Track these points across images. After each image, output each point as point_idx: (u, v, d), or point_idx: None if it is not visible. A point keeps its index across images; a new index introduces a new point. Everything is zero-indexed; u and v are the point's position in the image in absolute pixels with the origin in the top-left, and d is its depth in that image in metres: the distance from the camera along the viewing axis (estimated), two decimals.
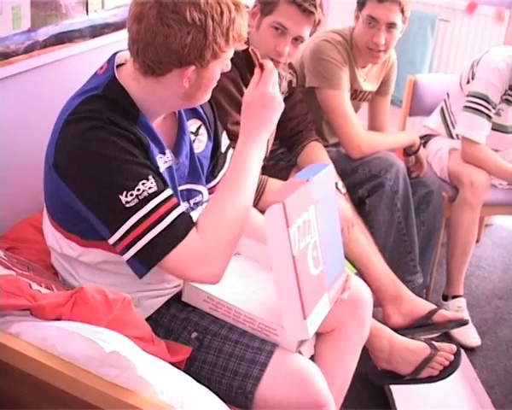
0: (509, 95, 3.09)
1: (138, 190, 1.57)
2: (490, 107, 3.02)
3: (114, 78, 1.69)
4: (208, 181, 2.03)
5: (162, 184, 1.65)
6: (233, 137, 2.29)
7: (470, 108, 3.05)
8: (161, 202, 1.60)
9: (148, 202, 1.58)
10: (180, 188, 1.84)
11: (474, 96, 3.05)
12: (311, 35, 2.40)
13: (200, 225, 1.64)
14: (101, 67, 1.76)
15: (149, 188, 1.59)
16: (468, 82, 3.14)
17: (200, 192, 1.96)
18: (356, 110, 2.98)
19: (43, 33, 2.21)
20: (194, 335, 1.79)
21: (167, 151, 1.76)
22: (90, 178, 1.59)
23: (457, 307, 3.13)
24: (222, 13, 1.60)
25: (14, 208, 2.18)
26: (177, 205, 1.64)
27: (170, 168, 1.76)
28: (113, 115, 1.62)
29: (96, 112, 1.61)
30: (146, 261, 1.60)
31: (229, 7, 1.62)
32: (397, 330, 2.56)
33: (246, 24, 1.69)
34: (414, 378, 2.44)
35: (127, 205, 1.57)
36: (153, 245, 1.59)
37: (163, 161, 1.73)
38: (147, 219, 1.58)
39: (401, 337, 2.47)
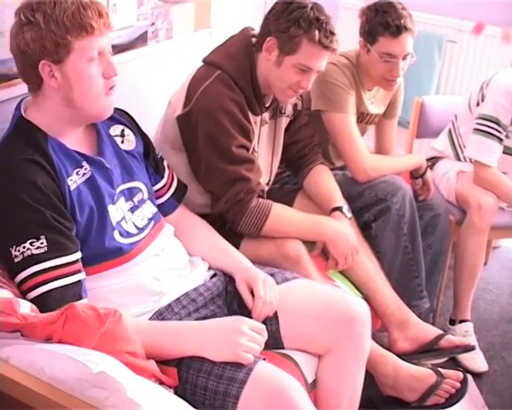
0: None
1: (24, 247, 1.68)
2: (500, 129, 3.00)
3: (21, 116, 1.83)
4: (157, 181, 2.18)
5: (62, 246, 1.72)
6: (237, 160, 2.29)
7: (480, 130, 3.03)
8: (46, 268, 1.70)
9: (31, 264, 1.69)
10: (120, 188, 1.95)
11: (484, 119, 3.03)
12: None
13: None
14: (13, 116, 1.89)
15: (37, 248, 1.69)
16: (478, 104, 3.11)
17: (140, 189, 2.04)
18: (362, 133, 2.98)
19: None
20: None
21: (84, 163, 1.85)
22: None
23: (464, 332, 3.10)
24: (55, 5, 1.73)
25: None
26: (68, 274, 1.72)
27: (90, 179, 1.85)
28: (22, 151, 1.75)
29: (5, 154, 1.77)
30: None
31: None
32: (403, 355, 2.55)
33: (91, 13, 1.75)
34: (419, 406, 2.42)
35: (15, 260, 1.69)
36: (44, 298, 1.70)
37: (81, 175, 1.84)
38: (33, 278, 1.69)
39: (406, 364, 2.46)
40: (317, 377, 2.08)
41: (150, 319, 1.90)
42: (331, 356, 2.06)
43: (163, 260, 2.00)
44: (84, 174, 1.84)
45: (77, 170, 1.83)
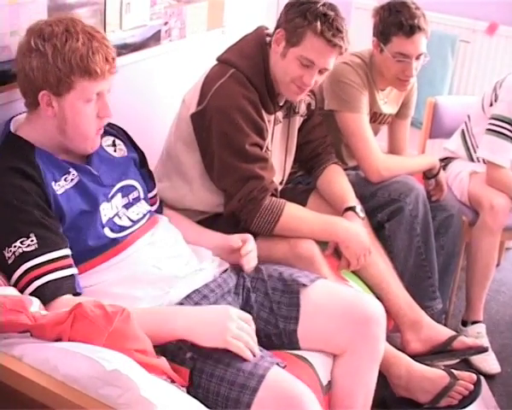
0: None
1: (15, 246, 1.73)
2: None
3: (9, 132, 1.91)
4: (152, 188, 2.25)
5: (52, 242, 1.77)
6: (251, 159, 2.30)
7: (493, 131, 3.01)
8: (38, 264, 1.74)
9: (24, 261, 1.73)
10: (118, 185, 2.02)
11: (497, 119, 3.01)
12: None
13: None
14: (2, 132, 1.95)
15: (28, 246, 1.73)
16: (491, 104, 3.10)
17: (135, 188, 2.10)
18: (375, 133, 2.96)
19: None
20: (189, 355, 1.78)
21: (71, 170, 1.90)
22: None
23: (477, 333, 3.09)
24: (66, 41, 1.79)
25: None
26: (60, 268, 1.76)
27: (78, 184, 1.90)
28: (9, 161, 1.81)
29: None
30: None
31: (77, 37, 1.81)
32: (415, 356, 2.54)
33: (99, 59, 1.81)
34: (432, 407, 2.41)
35: (9, 261, 1.73)
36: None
37: (69, 181, 1.88)
38: (27, 275, 1.73)
39: (419, 365, 2.45)
40: (332, 377, 2.08)
41: None
42: (347, 356, 2.07)
43: (162, 249, 2.03)
44: (72, 180, 1.89)
45: (65, 176, 1.89)
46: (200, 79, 2.41)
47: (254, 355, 1.74)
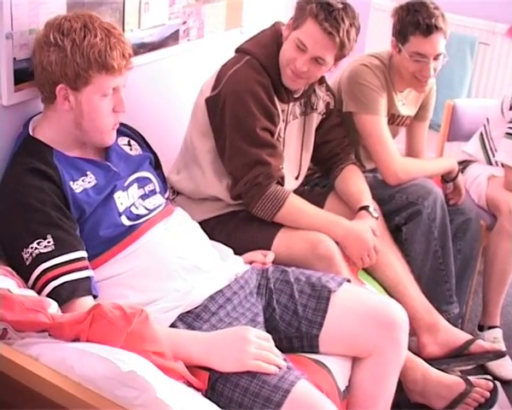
0: None
1: (32, 247, 1.75)
2: None
3: (29, 135, 1.93)
4: (165, 191, 2.28)
5: (68, 243, 1.79)
6: (260, 143, 2.34)
7: None
8: (55, 265, 1.76)
9: (40, 262, 1.75)
10: (134, 176, 2.07)
11: None
12: (336, 60, 2.39)
13: None
14: (20, 134, 1.98)
15: (44, 247, 1.76)
16: (511, 108, 3.07)
17: (151, 181, 2.15)
18: (394, 135, 2.94)
19: None
20: None
21: (88, 173, 1.94)
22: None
23: (493, 338, 3.06)
24: (84, 37, 1.84)
25: None
26: (76, 270, 1.78)
27: (96, 186, 1.94)
28: (27, 163, 1.83)
29: (12, 168, 1.88)
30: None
31: (95, 33, 1.85)
32: (432, 359, 2.53)
33: (116, 54, 1.86)
34: None
35: (27, 262, 1.76)
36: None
37: (87, 182, 1.92)
38: (44, 275, 1.75)
39: (436, 371, 2.44)
40: (354, 380, 2.08)
41: (180, 315, 1.88)
42: (372, 360, 2.06)
43: (179, 235, 2.05)
44: (89, 182, 1.93)
45: (82, 178, 1.93)
46: (218, 68, 2.46)
47: (280, 368, 1.72)
